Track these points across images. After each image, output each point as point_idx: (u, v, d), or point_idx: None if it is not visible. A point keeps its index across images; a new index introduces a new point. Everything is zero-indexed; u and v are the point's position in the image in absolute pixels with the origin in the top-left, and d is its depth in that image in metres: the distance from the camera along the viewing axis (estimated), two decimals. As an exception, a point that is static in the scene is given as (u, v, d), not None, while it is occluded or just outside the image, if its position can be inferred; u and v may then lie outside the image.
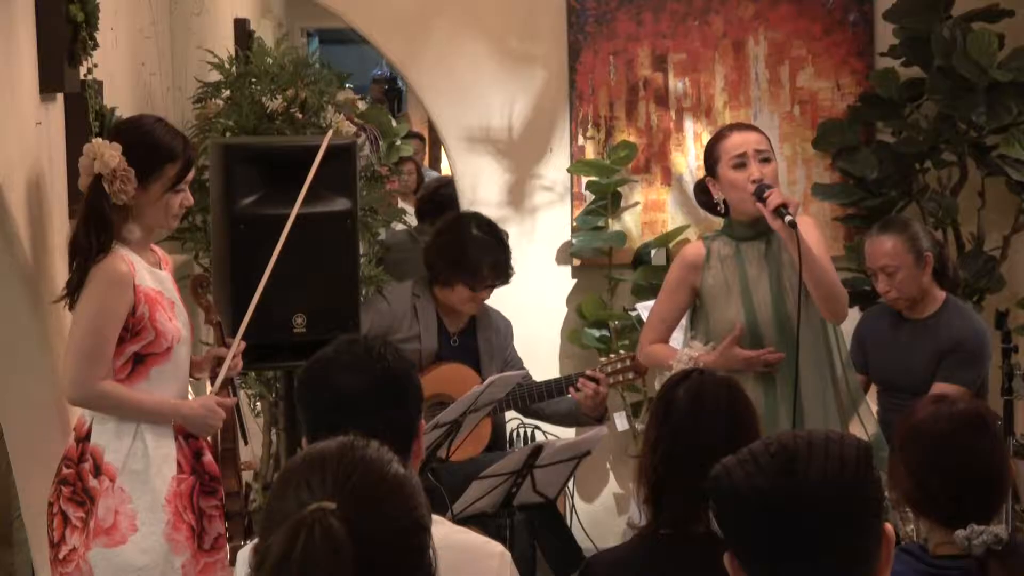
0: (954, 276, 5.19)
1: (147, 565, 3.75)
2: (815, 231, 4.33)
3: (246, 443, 4.30)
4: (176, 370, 3.88)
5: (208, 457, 3.96)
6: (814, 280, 4.13)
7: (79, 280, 3.76)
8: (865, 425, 4.33)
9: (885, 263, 4.97)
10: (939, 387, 4.85)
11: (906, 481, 2.82)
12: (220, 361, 4.04)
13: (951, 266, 5.17)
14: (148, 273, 3.84)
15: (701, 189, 4.43)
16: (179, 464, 3.85)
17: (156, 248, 4.03)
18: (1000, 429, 2.91)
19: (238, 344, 4.03)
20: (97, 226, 3.75)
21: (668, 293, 4.39)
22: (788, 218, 4.07)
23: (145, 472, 3.78)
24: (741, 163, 4.23)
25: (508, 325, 5.53)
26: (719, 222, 4.50)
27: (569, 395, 5.20)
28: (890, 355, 5.07)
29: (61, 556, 3.79)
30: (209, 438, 4.02)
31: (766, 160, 4.24)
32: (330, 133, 4.55)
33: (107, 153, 3.73)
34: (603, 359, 5.54)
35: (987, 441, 2.81)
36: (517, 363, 5.40)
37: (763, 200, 4.13)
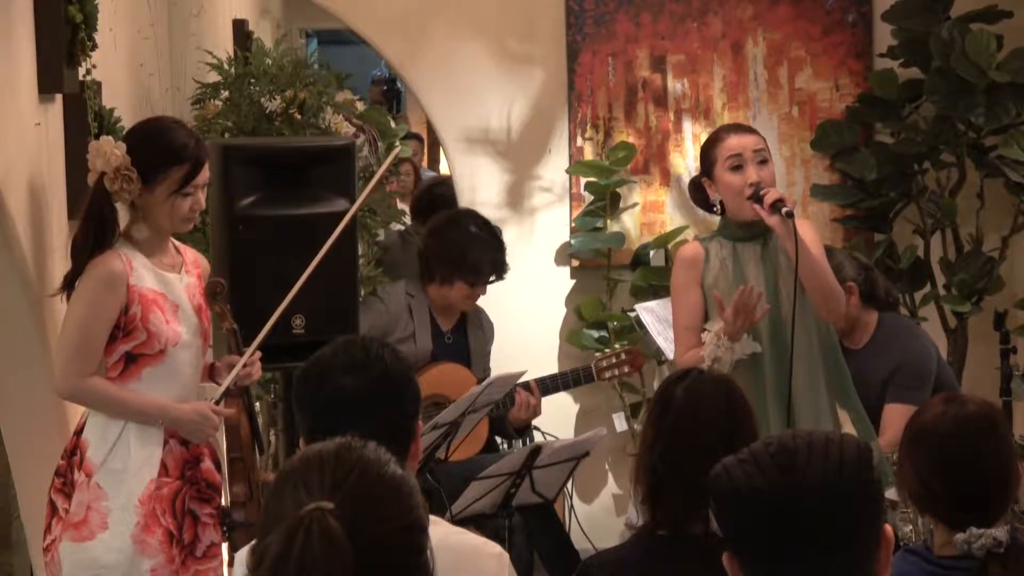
0: (887, 295, 5.18)
1: (111, 564, 3.73)
2: (812, 232, 4.32)
3: (262, 453, 4.27)
4: (173, 373, 3.86)
5: (207, 464, 3.93)
6: (811, 275, 4.11)
7: (75, 275, 3.76)
8: (856, 429, 4.32)
9: None
10: (890, 408, 4.86)
11: (911, 480, 2.82)
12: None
13: (881, 287, 5.15)
14: (150, 274, 3.82)
15: (696, 186, 4.40)
16: (165, 467, 3.83)
17: (186, 250, 4.01)
18: (1009, 431, 2.90)
19: (251, 353, 3.95)
20: (96, 224, 3.75)
21: (679, 298, 4.30)
22: (785, 209, 4.06)
23: (123, 472, 3.77)
24: (738, 165, 4.19)
25: (492, 326, 5.60)
26: (717, 222, 4.49)
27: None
28: None
29: (45, 545, 3.81)
30: (212, 445, 4.00)
31: (763, 162, 4.22)
32: (397, 150, 4.56)
33: (109, 151, 3.73)
34: (598, 354, 5.56)
35: (993, 443, 2.79)
36: (488, 369, 5.45)
37: (760, 200, 4.12)
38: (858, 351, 5.05)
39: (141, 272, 3.81)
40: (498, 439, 5.60)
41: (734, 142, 4.23)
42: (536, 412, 5.32)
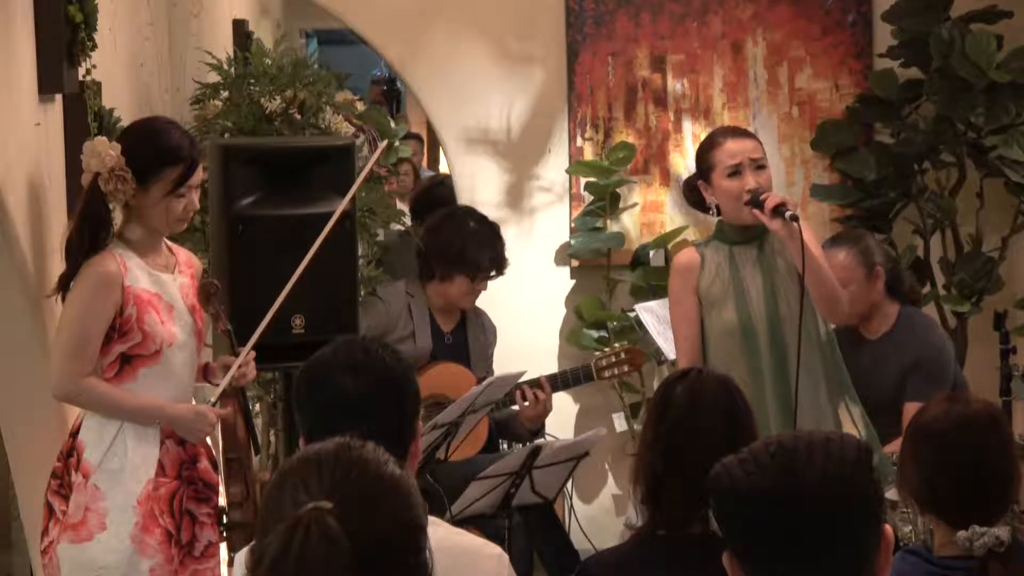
0: (910, 291, 5.17)
1: (110, 565, 3.73)
2: (810, 233, 4.32)
3: (258, 453, 4.26)
4: (169, 374, 3.86)
5: (204, 464, 3.93)
6: (816, 276, 4.11)
7: (70, 276, 3.76)
8: (858, 427, 4.32)
9: (836, 276, 4.92)
10: (911, 407, 4.84)
11: (913, 479, 2.82)
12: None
13: (906, 283, 5.14)
14: (145, 274, 3.82)
15: (690, 187, 4.40)
16: (162, 467, 3.83)
17: (178, 250, 4.01)
18: (1011, 430, 2.91)
19: (246, 354, 3.94)
20: (90, 224, 3.75)
21: (677, 306, 4.31)
22: (789, 213, 4.06)
23: (120, 472, 3.77)
24: (736, 172, 4.19)
25: (494, 330, 5.59)
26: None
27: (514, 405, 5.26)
28: (855, 379, 5.03)
29: (42, 547, 3.81)
30: (209, 444, 4.00)
31: (761, 168, 4.22)
32: (384, 144, 4.56)
33: (104, 152, 3.73)
34: (597, 354, 5.55)
35: (996, 442, 2.80)
36: (491, 370, 5.45)
37: (760, 205, 4.11)
38: (875, 341, 5.02)
39: (136, 273, 3.80)
40: (499, 439, 5.59)
41: (732, 147, 4.22)
42: (547, 408, 5.28)
